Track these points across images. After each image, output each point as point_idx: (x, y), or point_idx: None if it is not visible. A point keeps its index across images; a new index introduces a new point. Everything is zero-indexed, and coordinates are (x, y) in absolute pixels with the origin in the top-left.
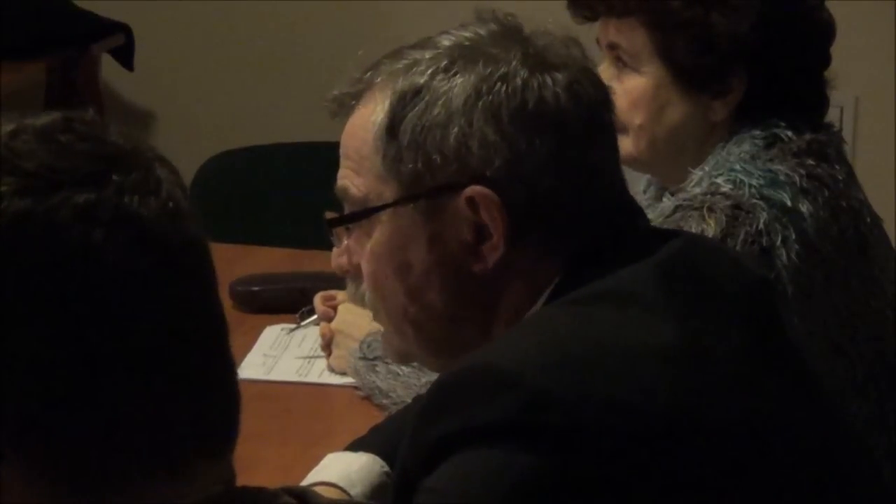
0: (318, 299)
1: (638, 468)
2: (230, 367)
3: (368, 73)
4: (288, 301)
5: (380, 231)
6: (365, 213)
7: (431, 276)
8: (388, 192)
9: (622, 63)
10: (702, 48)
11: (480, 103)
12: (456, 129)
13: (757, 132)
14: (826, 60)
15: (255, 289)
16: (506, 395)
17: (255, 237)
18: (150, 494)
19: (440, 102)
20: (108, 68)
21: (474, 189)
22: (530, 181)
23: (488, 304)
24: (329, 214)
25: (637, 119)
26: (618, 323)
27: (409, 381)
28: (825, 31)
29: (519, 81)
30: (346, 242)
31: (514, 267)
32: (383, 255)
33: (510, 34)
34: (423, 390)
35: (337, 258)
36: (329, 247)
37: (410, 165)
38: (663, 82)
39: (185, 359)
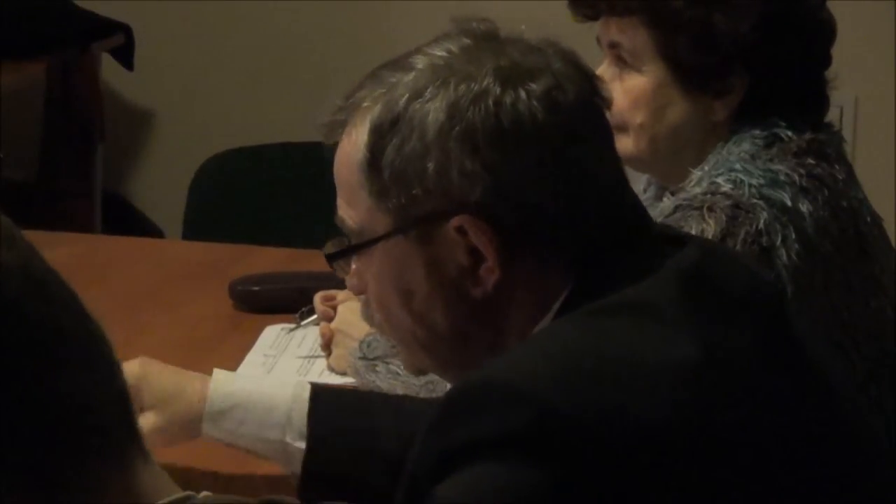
0: (317, 299)
1: (649, 484)
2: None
3: (350, 100)
4: (288, 301)
5: (379, 260)
6: (360, 247)
7: (434, 301)
8: (380, 224)
9: (623, 62)
10: (703, 48)
11: (454, 131)
12: (433, 162)
13: (757, 132)
14: (826, 60)
15: (255, 288)
16: (516, 408)
17: (255, 237)
18: (107, 484)
19: (415, 134)
20: (108, 68)
21: (460, 217)
22: (516, 201)
23: (496, 323)
24: (328, 249)
25: (638, 118)
26: (635, 336)
27: (409, 381)
28: (826, 31)
29: (492, 100)
30: (354, 266)
31: (516, 283)
32: (386, 283)
33: (483, 46)
34: (423, 390)
35: (349, 280)
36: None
37: (395, 199)
38: (664, 82)
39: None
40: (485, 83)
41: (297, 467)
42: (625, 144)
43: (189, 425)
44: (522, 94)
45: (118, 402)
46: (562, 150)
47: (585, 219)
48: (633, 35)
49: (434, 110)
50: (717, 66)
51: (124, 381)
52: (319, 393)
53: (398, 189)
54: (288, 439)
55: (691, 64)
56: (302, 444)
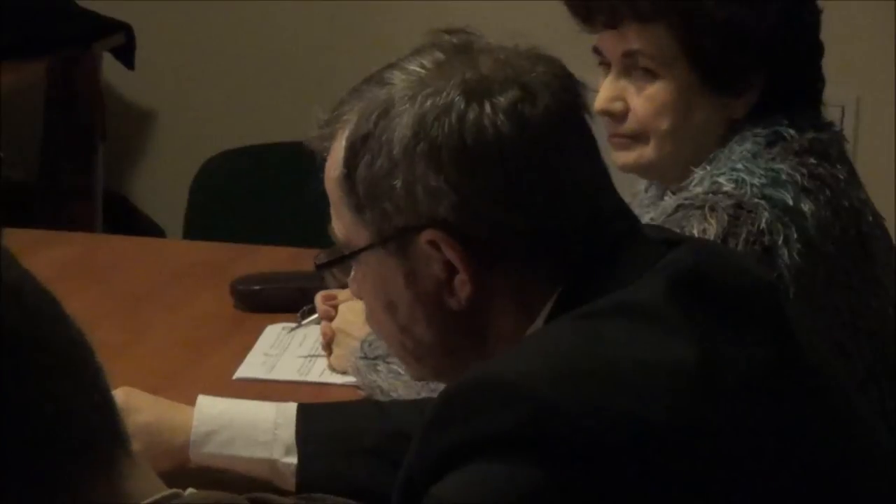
0: (318, 298)
1: (646, 483)
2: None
3: (334, 114)
4: (288, 300)
5: (364, 271)
6: (344, 258)
7: (416, 313)
8: (361, 237)
9: (639, 70)
10: (733, 47)
11: (419, 148)
12: (399, 180)
13: (759, 130)
14: (822, 49)
15: (256, 288)
16: (513, 407)
17: (255, 237)
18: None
19: (384, 150)
20: (109, 68)
21: (429, 233)
22: (482, 217)
23: (479, 331)
24: (319, 259)
25: (664, 124)
26: (631, 337)
27: (410, 381)
28: (819, 19)
29: (455, 116)
30: (352, 274)
31: (495, 293)
32: (372, 295)
33: (455, 60)
34: (425, 390)
35: (351, 285)
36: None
37: (370, 213)
38: (688, 85)
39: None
40: (449, 98)
41: (286, 483)
42: (643, 153)
43: (175, 452)
44: (487, 108)
45: (101, 406)
46: (529, 164)
47: (562, 229)
48: (656, 41)
49: (401, 126)
50: (743, 65)
51: (107, 384)
52: (305, 408)
53: (371, 204)
54: (276, 456)
55: (719, 64)
56: (290, 460)
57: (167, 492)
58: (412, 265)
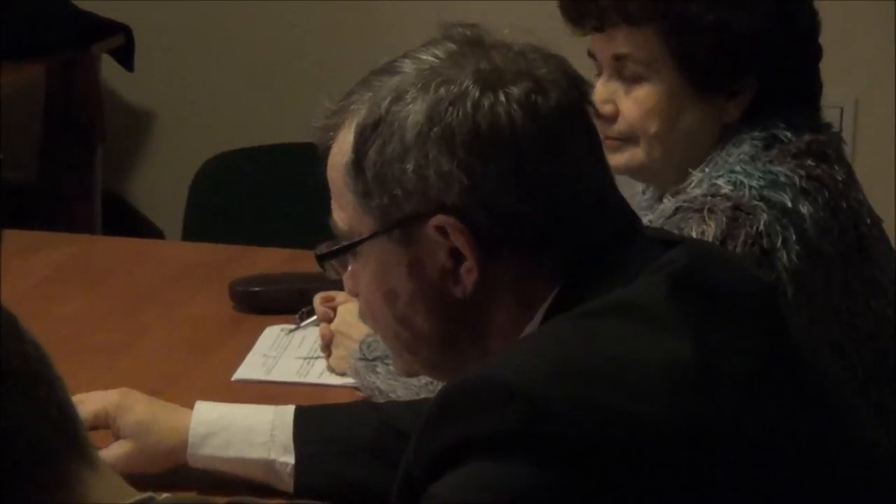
0: (317, 300)
1: (642, 481)
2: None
3: (341, 104)
4: (288, 302)
5: (365, 262)
6: (346, 248)
7: (416, 303)
8: (365, 226)
9: (630, 73)
10: (722, 50)
11: (433, 133)
12: (412, 163)
13: (756, 133)
14: (820, 52)
15: (255, 289)
16: (510, 405)
17: (254, 237)
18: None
19: (396, 136)
20: (109, 69)
21: (438, 218)
22: (491, 204)
23: (478, 324)
24: (320, 250)
25: (652, 128)
26: (629, 336)
27: (408, 382)
28: (818, 23)
29: (469, 104)
30: (350, 268)
31: (497, 285)
32: (371, 285)
33: (468, 51)
34: (424, 391)
35: (346, 283)
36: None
37: (377, 200)
38: (677, 88)
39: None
40: (464, 86)
41: (284, 484)
42: (634, 155)
43: (170, 454)
44: (501, 97)
45: (58, 419)
46: (539, 155)
47: (567, 223)
48: (645, 44)
49: (414, 112)
50: (734, 68)
51: (66, 395)
52: (302, 410)
53: (380, 190)
54: (273, 456)
55: (709, 67)
56: (288, 460)
57: (141, 496)
58: (416, 254)
